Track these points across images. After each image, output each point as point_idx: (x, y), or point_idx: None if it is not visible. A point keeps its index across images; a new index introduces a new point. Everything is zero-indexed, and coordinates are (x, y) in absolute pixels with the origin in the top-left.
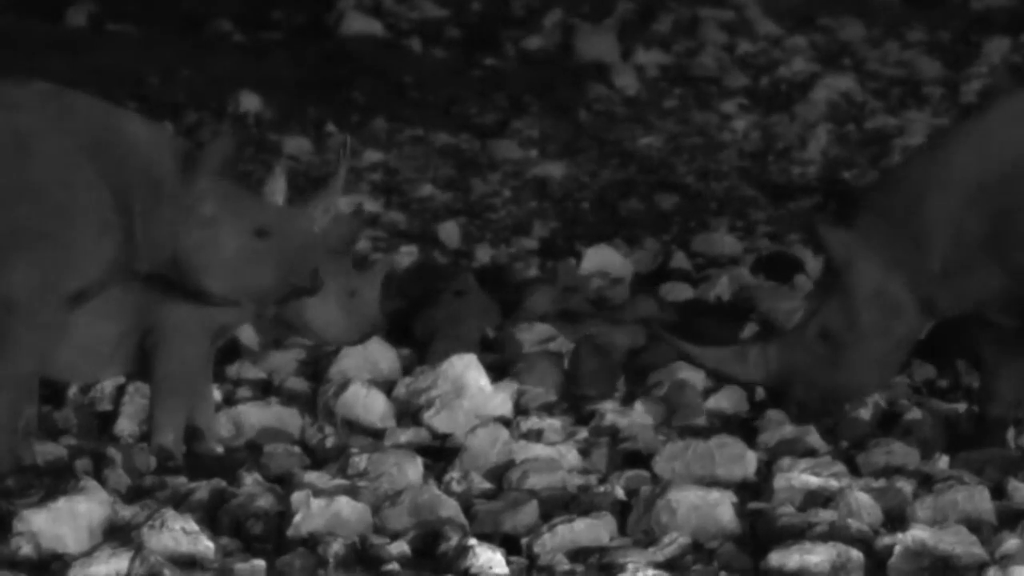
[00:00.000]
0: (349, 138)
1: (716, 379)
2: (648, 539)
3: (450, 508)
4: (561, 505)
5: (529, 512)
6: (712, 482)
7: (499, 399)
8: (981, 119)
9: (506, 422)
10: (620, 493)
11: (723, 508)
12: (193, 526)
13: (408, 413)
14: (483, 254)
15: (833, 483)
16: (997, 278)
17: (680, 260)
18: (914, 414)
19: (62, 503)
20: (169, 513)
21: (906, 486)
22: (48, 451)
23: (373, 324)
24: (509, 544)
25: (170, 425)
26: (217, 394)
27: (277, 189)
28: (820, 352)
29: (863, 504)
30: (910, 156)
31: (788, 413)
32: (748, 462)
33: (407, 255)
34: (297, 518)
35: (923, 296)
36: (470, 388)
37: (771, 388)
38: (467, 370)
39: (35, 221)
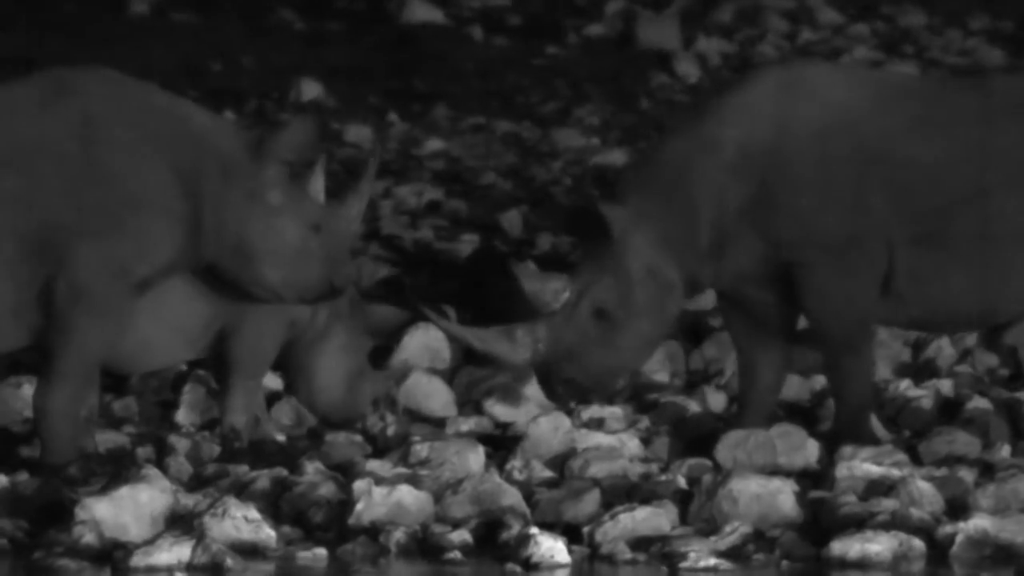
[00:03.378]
0: (378, 144)
1: (485, 358)
2: (710, 528)
3: (512, 496)
4: (623, 494)
5: (591, 501)
6: (774, 471)
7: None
8: (740, 92)
9: (568, 410)
10: (682, 482)
11: (785, 497)
12: (255, 514)
13: (470, 401)
14: (544, 242)
15: (895, 472)
16: (756, 249)
17: None
18: (976, 403)
19: (124, 491)
20: (231, 501)
21: (968, 475)
22: (110, 439)
23: (357, 415)
24: (571, 533)
25: (243, 407)
26: (279, 383)
27: (318, 187)
28: (592, 330)
29: (925, 493)
30: (670, 132)
31: (553, 392)
32: (810, 451)
33: (469, 243)
34: (359, 506)
35: (688, 273)
36: (532, 376)
37: (537, 368)
38: None
39: (103, 208)
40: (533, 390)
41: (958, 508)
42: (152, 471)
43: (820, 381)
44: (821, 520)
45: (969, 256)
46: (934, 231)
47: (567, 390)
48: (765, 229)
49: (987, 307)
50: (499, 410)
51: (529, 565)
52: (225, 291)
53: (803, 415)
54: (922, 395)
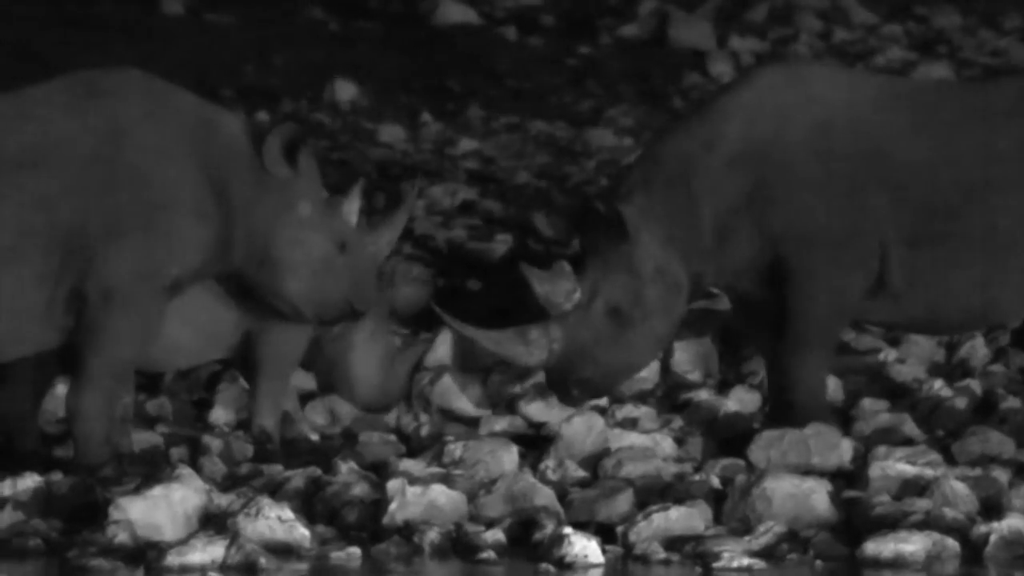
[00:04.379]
0: (419, 180)
1: (500, 361)
2: (743, 528)
3: (545, 496)
4: (656, 493)
5: (624, 500)
6: (807, 470)
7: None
8: (740, 90)
9: (601, 410)
10: (715, 481)
11: (818, 497)
12: (289, 514)
13: (503, 401)
14: (578, 242)
15: (929, 472)
16: (754, 245)
17: None
18: (1010, 403)
19: (158, 491)
20: (265, 501)
21: (1002, 475)
22: (143, 439)
23: (398, 396)
24: (604, 532)
25: (272, 408)
26: (312, 383)
27: (352, 209)
28: (606, 330)
29: (959, 493)
30: (671, 130)
31: (567, 394)
32: (843, 450)
33: (502, 243)
34: (393, 506)
35: (694, 272)
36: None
37: (552, 369)
38: None
39: (132, 209)
40: None
41: (992, 508)
42: (186, 471)
43: (855, 381)
44: (855, 520)
45: (966, 257)
46: (931, 231)
47: (582, 390)
48: (762, 225)
49: (984, 308)
50: (533, 410)
51: (563, 565)
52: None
53: (837, 415)
54: (956, 395)
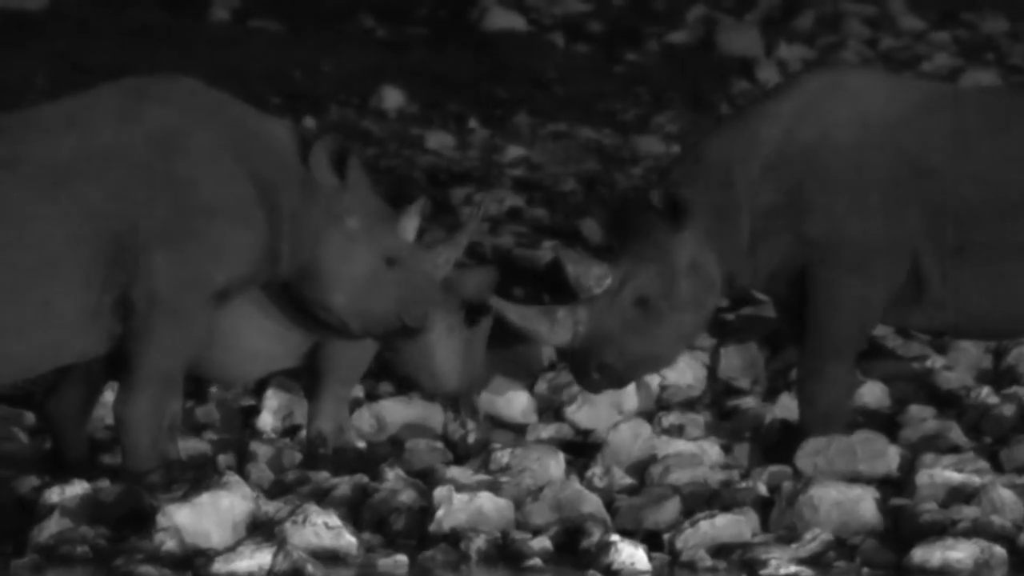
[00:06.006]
0: (486, 200)
1: (520, 336)
2: (790, 535)
3: (592, 504)
4: (703, 501)
5: (671, 508)
6: (854, 478)
7: (641, 394)
8: (784, 96)
9: (648, 417)
10: (762, 489)
11: (865, 504)
12: (336, 521)
13: (550, 408)
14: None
15: (976, 479)
16: (789, 249)
17: None
18: None
19: (205, 498)
20: (312, 508)
21: None
22: (191, 446)
23: (477, 378)
24: (651, 540)
25: (333, 414)
26: (359, 390)
27: (410, 226)
28: (633, 318)
29: (1006, 500)
30: (715, 131)
31: (587, 379)
32: (891, 458)
33: (549, 250)
34: (439, 513)
35: (728, 271)
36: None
37: (574, 351)
38: None
39: (179, 216)
40: (613, 396)
41: None
42: (233, 478)
43: (901, 388)
44: (902, 527)
45: (1011, 264)
46: (975, 239)
47: (603, 376)
48: (797, 230)
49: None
50: (579, 417)
51: (610, 572)
52: None
53: (884, 422)
54: (1003, 402)
